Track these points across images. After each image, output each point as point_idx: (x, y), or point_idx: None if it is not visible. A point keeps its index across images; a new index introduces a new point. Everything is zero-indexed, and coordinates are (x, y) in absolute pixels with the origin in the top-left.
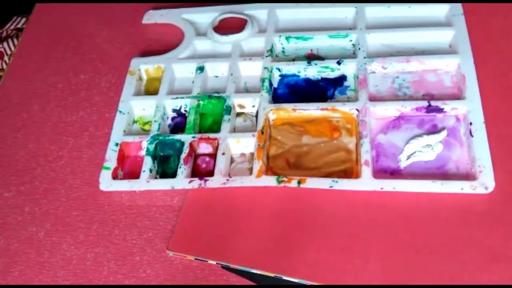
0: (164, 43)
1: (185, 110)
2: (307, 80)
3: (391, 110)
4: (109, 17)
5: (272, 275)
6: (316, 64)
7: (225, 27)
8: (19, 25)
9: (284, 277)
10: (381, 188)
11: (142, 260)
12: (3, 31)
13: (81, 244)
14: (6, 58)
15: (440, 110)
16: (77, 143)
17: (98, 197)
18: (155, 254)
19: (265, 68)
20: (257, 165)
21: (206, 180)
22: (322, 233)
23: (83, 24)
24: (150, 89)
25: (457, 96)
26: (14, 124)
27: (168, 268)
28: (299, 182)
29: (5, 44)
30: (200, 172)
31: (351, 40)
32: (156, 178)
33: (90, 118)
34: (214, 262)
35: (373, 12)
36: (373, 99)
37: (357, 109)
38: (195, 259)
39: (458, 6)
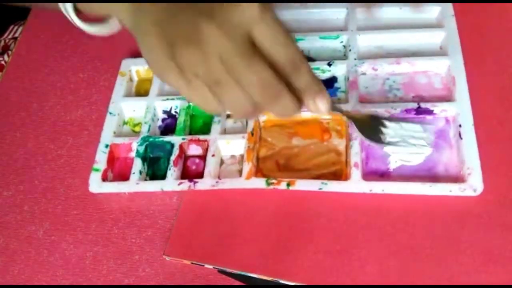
0: None
1: (176, 112)
2: None
3: (381, 111)
4: None
5: (269, 278)
6: None
7: None
8: (17, 34)
9: (282, 281)
10: (370, 190)
11: (141, 259)
12: (1, 40)
13: (80, 243)
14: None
15: (429, 112)
16: (76, 142)
17: (97, 196)
18: (154, 253)
19: None
20: (247, 167)
21: (195, 182)
22: (318, 236)
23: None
24: (141, 91)
25: (447, 98)
26: (13, 123)
27: (167, 267)
28: (288, 184)
29: (5, 56)
30: (189, 174)
31: (342, 42)
32: (146, 180)
33: (89, 117)
34: (210, 267)
35: (364, 13)
36: (363, 100)
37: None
38: (192, 263)
39: (449, 7)
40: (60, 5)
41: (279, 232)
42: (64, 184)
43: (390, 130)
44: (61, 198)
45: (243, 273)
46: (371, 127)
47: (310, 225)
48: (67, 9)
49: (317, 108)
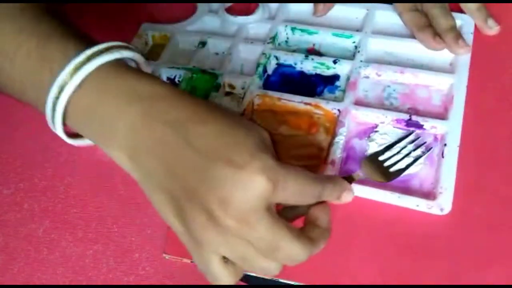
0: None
1: (179, 81)
2: (301, 73)
3: (372, 117)
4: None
5: (269, 277)
6: (312, 59)
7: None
8: None
9: (281, 281)
10: None
11: (141, 257)
12: None
13: (80, 242)
14: None
15: (419, 126)
16: None
17: (97, 194)
18: (154, 251)
19: (263, 54)
20: None
21: None
22: None
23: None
24: (154, 56)
25: (442, 116)
26: (13, 120)
27: (167, 266)
28: None
29: None
30: None
31: (354, 42)
32: None
33: None
34: None
35: (384, 17)
36: (359, 103)
37: (338, 110)
38: (192, 262)
39: (471, 24)
40: (48, 108)
41: None
42: (64, 183)
43: (395, 157)
44: (61, 196)
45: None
46: (381, 167)
47: None
48: (56, 116)
49: None
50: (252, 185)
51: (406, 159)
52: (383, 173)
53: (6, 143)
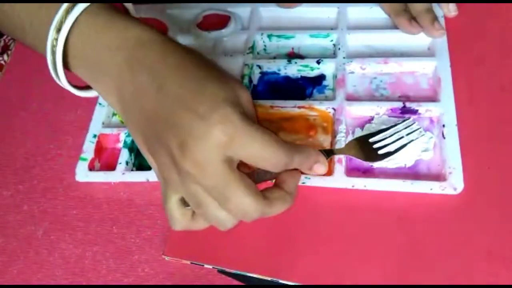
0: None
1: None
2: (287, 78)
3: (367, 110)
4: None
5: (269, 278)
6: (296, 63)
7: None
8: None
9: (281, 281)
10: (353, 186)
11: (141, 258)
12: (1, 40)
13: (79, 243)
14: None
15: (414, 112)
16: (76, 141)
17: (97, 196)
18: (153, 252)
19: (246, 64)
20: None
21: None
22: (318, 235)
23: None
24: None
25: (433, 98)
26: (12, 122)
27: (166, 267)
28: None
29: (5, 56)
30: None
31: (332, 40)
32: (132, 170)
33: (88, 116)
34: (210, 266)
35: (355, 13)
36: (350, 98)
37: (333, 108)
38: (191, 263)
39: (439, 9)
40: (48, 50)
41: (278, 232)
42: (63, 184)
43: (386, 140)
44: (61, 198)
45: (242, 273)
46: (369, 149)
47: (309, 224)
48: (56, 59)
49: None
50: (208, 136)
51: (397, 142)
52: (368, 154)
53: (6, 145)
